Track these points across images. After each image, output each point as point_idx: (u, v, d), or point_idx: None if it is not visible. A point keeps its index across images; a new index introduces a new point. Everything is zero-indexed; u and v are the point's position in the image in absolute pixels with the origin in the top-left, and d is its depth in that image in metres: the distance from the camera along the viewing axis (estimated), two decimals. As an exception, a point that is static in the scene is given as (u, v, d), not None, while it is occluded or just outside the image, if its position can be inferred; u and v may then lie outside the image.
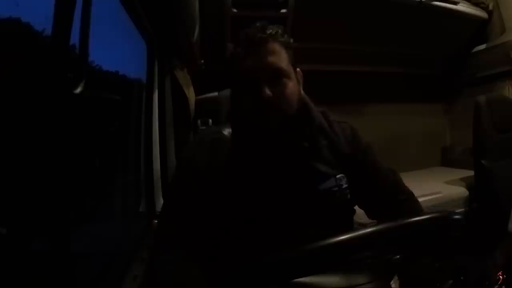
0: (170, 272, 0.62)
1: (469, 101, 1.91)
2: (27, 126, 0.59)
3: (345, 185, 0.70)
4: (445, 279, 0.51)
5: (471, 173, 1.82)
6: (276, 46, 0.67)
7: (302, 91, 0.74)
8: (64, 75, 0.55)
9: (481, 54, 2.20)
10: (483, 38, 2.19)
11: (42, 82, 0.54)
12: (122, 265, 0.91)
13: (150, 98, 1.22)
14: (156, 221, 1.04)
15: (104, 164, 1.21)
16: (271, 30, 0.68)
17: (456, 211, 1.68)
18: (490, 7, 2.10)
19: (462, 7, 2.00)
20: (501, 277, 0.53)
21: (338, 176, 0.70)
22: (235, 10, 1.58)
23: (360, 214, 0.77)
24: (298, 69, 0.73)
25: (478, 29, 2.16)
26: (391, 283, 0.61)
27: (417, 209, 0.76)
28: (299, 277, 0.47)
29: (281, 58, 0.68)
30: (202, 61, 1.58)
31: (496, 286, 0.52)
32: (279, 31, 0.69)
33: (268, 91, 0.65)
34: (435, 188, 1.84)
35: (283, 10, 1.62)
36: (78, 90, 0.58)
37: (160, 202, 1.16)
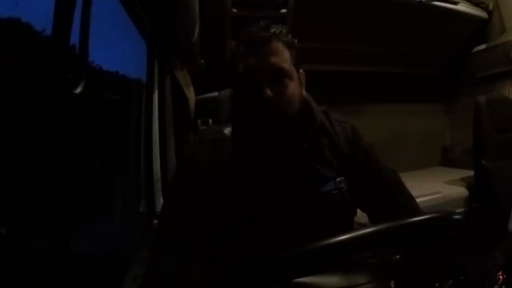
0: (170, 272, 0.62)
1: (469, 101, 1.91)
2: (27, 126, 0.59)
3: (345, 188, 0.70)
4: (445, 279, 0.51)
5: (471, 173, 1.82)
6: (279, 46, 0.67)
7: (304, 92, 0.73)
8: (64, 75, 0.55)
9: (481, 54, 2.20)
10: (483, 38, 2.19)
11: (42, 82, 0.54)
12: (122, 265, 0.92)
13: (150, 98, 1.22)
14: (156, 221, 1.04)
15: (104, 164, 1.21)
16: (274, 29, 0.67)
17: (456, 211, 1.68)
18: (490, 7, 2.10)
19: (462, 7, 2.01)
20: (501, 277, 0.53)
21: (338, 179, 0.70)
22: (235, 10, 1.58)
23: (360, 214, 0.77)
24: (301, 70, 0.72)
25: (478, 29, 2.17)
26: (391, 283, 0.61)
27: (416, 211, 0.75)
28: (299, 277, 0.47)
29: (284, 58, 0.67)
30: (202, 61, 1.58)
31: (496, 286, 0.52)
32: (283, 30, 0.68)
33: (269, 92, 0.64)
34: (435, 188, 1.84)
35: (283, 10, 1.62)
36: (78, 90, 0.58)
37: (160, 202, 1.16)
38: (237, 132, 0.72)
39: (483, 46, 2.19)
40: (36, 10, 0.69)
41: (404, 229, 0.46)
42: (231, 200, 0.67)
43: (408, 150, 2.37)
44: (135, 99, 1.31)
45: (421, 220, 0.47)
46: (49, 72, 0.53)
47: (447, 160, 2.51)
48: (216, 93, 1.14)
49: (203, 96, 1.24)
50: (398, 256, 0.54)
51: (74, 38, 0.57)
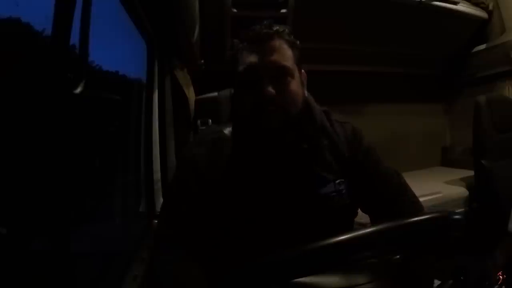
0: (170, 272, 0.62)
1: (469, 101, 1.91)
2: (27, 126, 0.59)
3: (344, 190, 0.70)
4: (445, 279, 0.51)
5: (471, 173, 1.82)
6: (282, 44, 0.67)
7: (306, 92, 0.73)
8: (64, 75, 0.55)
9: (481, 54, 2.20)
10: (483, 38, 2.19)
11: (42, 82, 0.54)
12: (122, 265, 0.92)
13: (150, 98, 1.22)
14: (156, 221, 1.04)
15: (104, 164, 1.21)
16: (277, 28, 0.67)
17: (456, 211, 1.68)
18: (490, 7, 2.10)
19: (462, 7, 2.01)
20: (501, 277, 0.53)
21: (337, 181, 0.69)
22: (235, 10, 1.58)
23: (360, 214, 0.77)
24: (302, 70, 0.72)
25: (478, 29, 2.17)
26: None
27: (420, 211, 0.74)
28: (299, 277, 0.47)
29: (286, 56, 0.67)
30: (202, 61, 1.58)
31: (496, 286, 0.52)
32: (286, 30, 0.69)
33: (271, 89, 0.64)
34: (435, 188, 1.84)
35: (283, 10, 1.62)
36: (78, 90, 0.58)
37: (160, 202, 1.16)
38: (237, 131, 0.72)
39: (483, 46, 2.19)
40: (36, 10, 0.69)
41: (404, 229, 0.46)
42: (231, 200, 0.67)
43: (408, 150, 2.37)
44: (135, 99, 1.31)
45: (421, 220, 0.47)
46: (49, 72, 0.53)
47: (447, 160, 2.51)
48: (216, 93, 1.14)
49: (203, 96, 1.24)
50: (398, 256, 0.54)
51: (74, 38, 0.57)
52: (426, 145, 2.49)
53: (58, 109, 0.54)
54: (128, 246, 1.06)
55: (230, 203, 0.67)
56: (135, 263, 0.90)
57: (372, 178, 0.73)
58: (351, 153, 0.73)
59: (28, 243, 0.58)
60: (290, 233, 0.63)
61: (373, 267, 0.55)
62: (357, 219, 0.77)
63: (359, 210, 0.77)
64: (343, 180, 0.70)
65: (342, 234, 0.43)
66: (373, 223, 0.76)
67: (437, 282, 0.53)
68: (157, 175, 1.20)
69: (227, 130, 0.74)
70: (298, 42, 0.71)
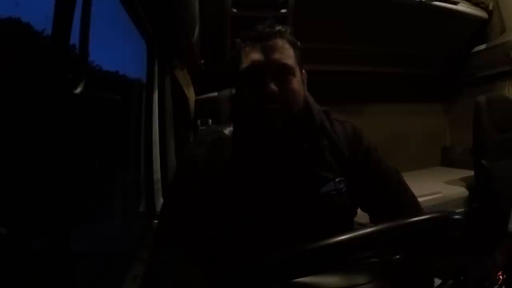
0: (170, 272, 0.62)
1: (469, 101, 1.91)
2: (27, 126, 0.59)
3: (344, 189, 0.70)
4: (445, 279, 0.51)
5: (471, 173, 1.82)
6: (284, 43, 0.67)
7: (307, 92, 0.73)
8: (64, 75, 0.55)
9: (481, 54, 2.20)
10: (483, 38, 2.19)
11: (42, 82, 0.54)
12: (122, 265, 0.92)
13: (150, 98, 1.22)
14: (156, 221, 1.04)
15: (104, 164, 1.21)
16: (280, 28, 0.68)
17: (456, 211, 1.68)
18: (490, 7, 2.10)
19: (462, 7, 2.01)
20: (501, 277, 0.53)
21: (337, 180, 0.70)
22: (235, 10, 1.58)
23: (360, 214, 0.77)
24: (303, 70, 0.73)
25: (478, 29, 2.17)
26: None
27: (419, 211, 0.74)
28: (299, 277, 0.47)
29: (288, 55, 0.67)
30: (202, 61, 1.58)
31: (496, 286, 0.52)
32: (288, 30, 0.69)
33: (273, 86, 0.64)
34: (435, 188, 1.84)
35: (283, 10, 1.62)
36: (78, 90, 0.58)
37: (160, 202, 1.16)
38: (238, 131, 0.72)
39: (483, 46, 2.19)
40: (36, 10, 0.69)
41: (404, 229, 0.46)
42: (231, 200, 0.67)
43: (408, 150, 2.37)
44: (135, 99, 1.31)
45: (421, 220, 0.47)
46: (49, 72, 0.53)
47: (447, 160, 2.51)
48: (216, 93, 1.14)
49: (203, 96, 1.24)
50: (398, 256, 0.54)
51: (74, 38, 0.57)
52: (426, 145, 2.49)
53: (58, 109, 0.54)
54: (128, 246, 1.06)
55: (230, 203, 0.67)
56: (135, 263, 0.90)
57: (373, 177, 0.73)
58: (351, 153, 0.73)
59: (28, 243, 0.58)
60: (290, 232, 0.63)
61: (373, 267, 0.55)
62: (357, 219, 0.77)
63: (359, 210, 0.77)
64: (342, 178, 0.70)
65: (342, 233, 0.43)
66: (372, 222, 0.76)
67: (437, 282, 0.53)
68: (157, 175, 1.20)
69: (227, 130, 0.74)
70: (298, 43, 0.71)
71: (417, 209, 0.74)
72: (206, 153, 0.70)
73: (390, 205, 0.73)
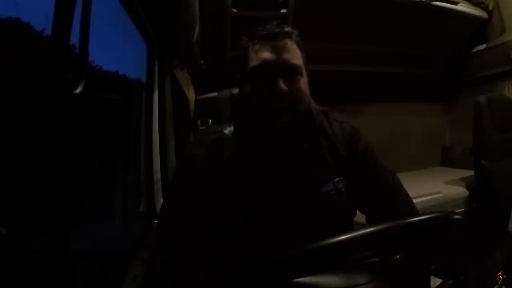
0: (170, 272, 0.62)
1: (469, 101, 1.91)
2: (27, 126, 0.59)
3: (343, 189, 0.70)
4: (445, 279, 0.51)
5: (471, 173, 1.82)
6: (293, 44, 0.68)
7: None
8: (64, 75, 0.55)
9: (481, 54, 2.20)
10: (483, 38, 2.19)
11: (42, 82, 0.54)
12: (122, 265, 0.91)
13: (150, 98, 1.22)
14: (156, 221, 1.04)
15: (104, 164, 1.21)
16: (288, 29, 0.69)
17: (456, 211, 1.68)
18: (490, 7, 2.10)
19: (462, 7, 2.01)
20: (501, 277, 0.53)
21: (336, 180, 0.70)
22: (235, 10, 1.58)
23: (360, 214, 0.77)
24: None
25: (478, 29, 2.17)
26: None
27: (414, 212, 0.74)
28: (299, 277, 0.47)
29: (297, 55, 0.68)
30: (202, 61, 1.58)
31: (496, 286, 0.52)
32: (294, 31, 0.70)
33: (283, 85, 0.65)
34: (435, 188, 1.84)
35: (283, 10, 1.62)
36: (78, 90, 0.58)
37: (160, 202, 1.16)
38: (239, 130, 0.72)
39: (483, 46, 2.19)
40: (36, 10, 0.69)
41: (404, 229, 0.46)
42: (231, 200, 0.67)
43: (408, 150, 2.37)
44: (135, 99, 1.31)
45: (421, 220, 0.47)
46: (49, 72, 0.53)
47: (447, 160, 2.51)
48: (216, 93, 1.14)
49: (203, 96, 1.24)
50: (398, 256, 0.54)
51: (74, 38, 0.57)
52: (426, 145, 2.49)
53: (58, 109, 0.54)
54: (128, 246, 1.06)
55: (230, 203, 0.67)
56: (135, 263, 0.90)
57: (370, 178, 0.74)
58: (349, 153, 0.73)
59: (28, 243, 0.58)
60: (290, 232, 0.64)
61: (373, 267, 0.55)
62: (356, 219, 0.77)
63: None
64: (341, 178, 0.71)
65: (342, 233, 0.43)
66: (368, 222, 0.76)
67: (437, 282, 0.53)
68: (157, 175, 1.20)
69: (227, 130, 0.74)
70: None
71: (412, 209, 0.74)
72: (206, 153, 0.71)
73: (385, 205, 0.73)
